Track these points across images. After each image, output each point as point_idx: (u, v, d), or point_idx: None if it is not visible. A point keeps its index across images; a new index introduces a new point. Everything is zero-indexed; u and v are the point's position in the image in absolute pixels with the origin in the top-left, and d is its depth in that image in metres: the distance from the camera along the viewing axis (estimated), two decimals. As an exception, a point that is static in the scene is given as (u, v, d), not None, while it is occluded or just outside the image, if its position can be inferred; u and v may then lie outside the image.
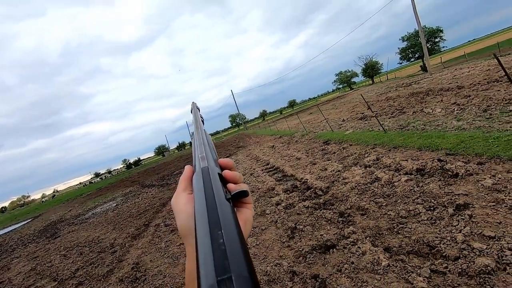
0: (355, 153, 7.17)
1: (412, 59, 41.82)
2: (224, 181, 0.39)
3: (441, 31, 38.03)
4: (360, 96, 25.99)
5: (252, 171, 9.82)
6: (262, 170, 9.45)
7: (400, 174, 4.72)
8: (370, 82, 59.09)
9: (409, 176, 4.52)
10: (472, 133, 5.39)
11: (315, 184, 5.76)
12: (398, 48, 42.62)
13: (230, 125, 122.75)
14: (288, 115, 55.09)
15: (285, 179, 7.41)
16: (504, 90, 8.02)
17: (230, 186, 0.39)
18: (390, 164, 5.38)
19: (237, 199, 0.38)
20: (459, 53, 40.65)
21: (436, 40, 38.22)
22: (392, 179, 4.63)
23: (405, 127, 7.89)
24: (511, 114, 5.81)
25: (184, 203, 0.41)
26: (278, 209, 5.15)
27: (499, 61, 4.36)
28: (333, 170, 6.35)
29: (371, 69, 57.33)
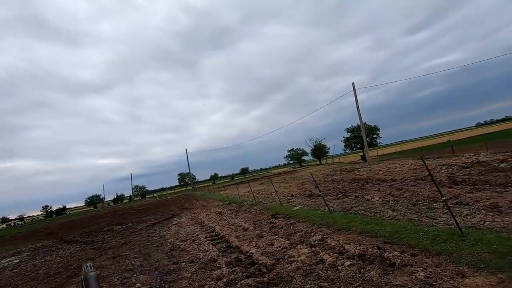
0: (302, 231, 7.22)
1: (354, 148, 47.23)
2: None
3: (378, 129, 44.64)
4: (309, 174, 27.60)
5: (195, 238, 9.14)
6: (206, 237, 8.86)
7: (343, 258, 4.79)
8: (318, 162, 63.87)
9: (351, 260, 4.61)
10: (405, 224, 5.91)
11: (261, 260, 5.51)
12: (343, 137, 48.19)
13: (178, 184, 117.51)
14: (239, 182, 55.18)
15: (229, 250, 6.99)
16: (428, 189, 9.24)
17: None
18: (334, 246, 5.48)
19: None
20: (392, 150, 47.18)
21: (374, 136, 44.39)
22: (336, 262, 4.66)
23: (348, 210, 8.37)
24: (435, 211, 6.59)
25: None
26: (218, 286, 4.70)
27: (425, 163, 5.15)
28: (280, 246, 6.21)
29: (319, 151, 62.70)
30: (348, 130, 47.12)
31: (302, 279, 4.30)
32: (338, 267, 4.49)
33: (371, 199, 9.50)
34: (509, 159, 11.71)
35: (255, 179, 51.26)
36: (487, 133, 59.62)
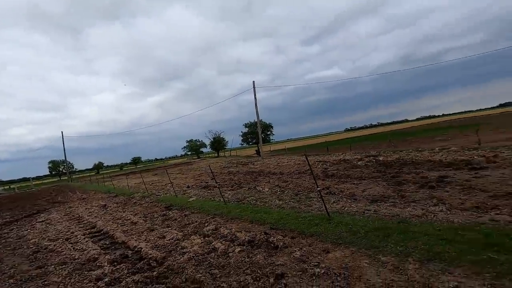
0: (196, 221, 7.23)
1: (250, 143, 50.34)
2: None
3: (272, 126, 48.95)
4: (206, 165, 27.77)
5: (69, 236, 7.85)
6: (84, 235, 7.74)
7: (234, 245, 5.08)
8: (216, 155, 65.00)
9: (242, 247, 4.94)
10: (289, 211, 6.74)
11: (150, 254, 5.23)
12: (241, 132, 50.63)
13: (49, 173, 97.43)
14: (130, 173, 50.31)
15: (113, 247, 6.33)
16: (308, 181, 10.79)
17: None
18: (227, 234, 5.74)
19: None
20: (282, 147, 52.65)
21: (268, 132, 48.44)
22: (228, 250, 4.90)
23: (242, 201, 8.89)
24: (312, 199, 7.78)
25: None
26: (98, 286, 4.20)
27: (307, 159, 6.01)
28: (172, 238, 6.05)
29: (218, 144, 63.86)
30: (246, 125, 49.74)
31: (193, 268, 4.33)
32: (229, 254, 4.73)
33: (262, 190, 10.37)
34: (364, 158, 14.94)
35: (148, 170, 47.89)
36: (352, 136, 74.08)
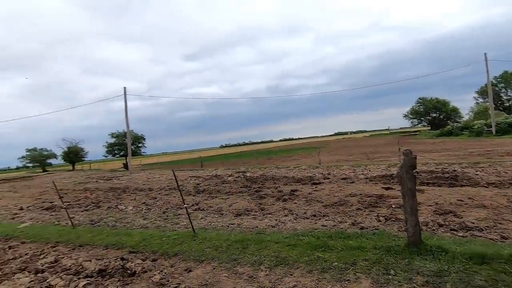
0: (26, 255, 5.64)
1: (117, 155, 44.74)
2: None
3: (144, 138, 45.46)
4: (55, 180, 22.56)
5: None
6: None
7: (79, 278, 4.25)
8: (71, 168, 54.11)
9: (89, 279, 4.18)
10: (153, 231, 6.28)
11: None
12: (107, 142, 44.47)
13: None
14: None
15: None
16: (178, 197, 10.48)
17: None
18: (70, 266, 4.75)
19: None
20: (154, 160, 49.48)
21: (139, 145, 44.64)
22: (69, 285, 4.04)
23: (97, 223, 7.65)
24: (179, 216, 7.57)
25: None
26: None
27: (174, 174, 5.86)
28: (-18, 282, 4.46)
29: (74, 155, 53.46)
30: (113, 135, 44.13)
31: (12, 319, 3.30)
32: (70, 290, 3.91)
33: (125, 208, 9.29)
34: (234, 174, 15.96)
35: (-43, 187, 34.47)
36: (226, 153, 78.14)
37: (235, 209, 7.84)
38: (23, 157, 61.55)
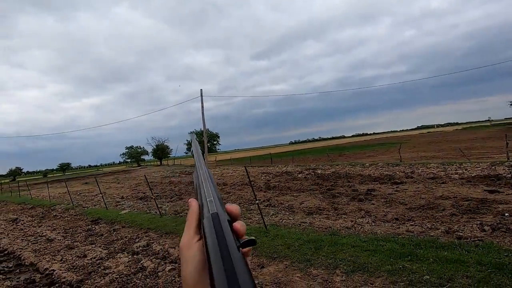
0: (125, 237, 6.58)
1: (196, 152, 49.14)
2: (232, 228, 0.38)
3: (218, 136, 48.67)
4: (147, 174, 26.04)
5: (-41, 258, 6.44)
6: (-19, 256, 6.43)
7: (165, 263, 4.71)
8: (158, 163, 61.77)
9: (173, 265, 4.60)
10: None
11: (64, 277, 4.54)
12: (187, 140, 49.17)
13: None
14: (55, 181, 44.38)
15: (18, 270, 5.36)
16: (250, 193, 10.81)
17: (238, 234, 0.38)
18: (159, 251, 5.32)
19: (245, 247, 0.37)
20: (228, 157, 52.51)
21: (215, 142, 47.98)
22: (157, 269, 4.52)
23: (180, 213, 8.44)
24: (252, 212, 7.76)
25: (195, 252, 0.39)
26: (-13, 323, 3.45)
27: (247, 171, 5.99)
28: (94, 258, 5.37)
29: (161, 151, 60.79)
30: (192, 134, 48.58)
31: (115, 293, 3.86)
32: (159, 273, 4.36)
33: (202, 201, 10.03)
34: (304, 171, 15.66)
35: (78, 178, 43.02)
36: (295, 149, 77.72)
37: (306, 207, 7.63)
38: (123, 153, 73.18)
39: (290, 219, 6.61)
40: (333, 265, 3.93)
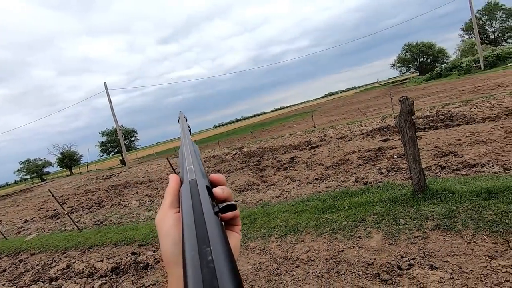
0: (38, 265, 5.61)
1: (112, 153, 44.31)
2: (212, 195, 0.36)
3: (135, 131, 44.79)
4: (56, 187, 22.41)
5: None
6: None
7: (94, 280, 4.23)
8: (68, 173, 53.76)
9: (103, 279, 4.17)
10: (159, 221, 6.26)
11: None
12: (98, 142, 43.78)
13: None
14: None
15: None
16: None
17: (218, 199, 0.37)
18: (83, 269, 4.72)
19: (226, 212, 0.36)
20: (150, 152, 49.18)
21: (132, 138, 44.05)
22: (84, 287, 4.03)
23: (103, 222, 7.62)
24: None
25: (171, 225, 0.36)
26: None
27: (169, 162, 5.71)
28: (-2, 300, 4.45)
29: (68, 159, 52.83)
30: (103, 133, 43.35)
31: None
32: (87, 293, 3.90)
33: (128, 204, 9.25)
34: (232, 152, 15.88)
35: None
36: (220, 132, 77.78)
37: (237, 186, 7.81)
38: (18, 170, 60.83)
39: (223, 201, 6.67)
40: (267, 233, 4.17)
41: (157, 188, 10.74)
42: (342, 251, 3.29)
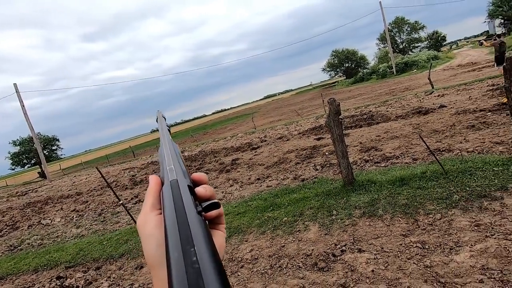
0: None
1: (27, 165, 38.20)
2: (195, 194, 0.36)
3: (57, 139, 39.51)
4: None
5: None
6: None
7: (7, 315, 3.60)
8: (-32, 192, 44.58)
9: (20, 312, 3.58)
10: (90, 238, 5.65)
11: None
12: (9, 153, 37.34)
13: None
14: None
15: None
16: (113, 195, 9.58)
17: (201, 198, 0.36)
18: (-8, 305, 3.99)
19: (209, 211, 0.35)
20: (77, 161, 43.96)
21: (54, 148, 38.75)
22: (-5, 328, 3.40)
23: (18, 247, 6.53)
24: (119, 214, 6.95)
25: (153, 227, 0.36)
26: None
27: (100, 172, 5.20)
28: None
29: (-32, 176, 43.83)
30: (15, 143, 37.17)
31: None
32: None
33: (51, 222, 8.12)
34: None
35: None
36: (158, 137, 73.56)
37: (179, 192, 7.53)
38: None
39: (164, 209, 6.36)
40: (211, 237, 4.11)
41: (87, 202, 9.67)
42: (284, 246, 3.44)
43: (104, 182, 13.03)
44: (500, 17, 47.93)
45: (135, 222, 5.26)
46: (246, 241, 3.78)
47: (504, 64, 3.45)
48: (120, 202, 4.99)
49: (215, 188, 6.89)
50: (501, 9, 47.21)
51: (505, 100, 4.68)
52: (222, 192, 6.35)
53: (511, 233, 2.60)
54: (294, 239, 3.51)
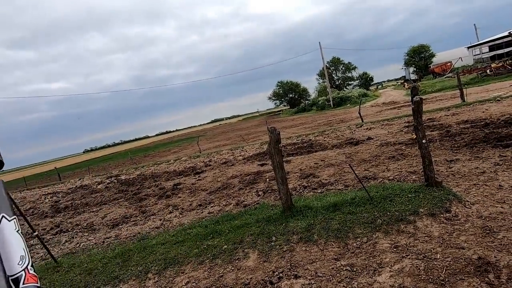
0: None
1: None
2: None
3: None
4: None
5: None
6: None
7: None
8: None
9: None
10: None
11: None
12: None
13: None
14: None
15: None
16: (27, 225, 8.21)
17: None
18: None
19: None
20: (22, 175, 37.06)
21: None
22: None
23: None
24: (33, 248, 5.95)
25: None
26: None
27: (11, 197, 4.47)
28: None
29: None
30: None
31: None
32: None
33: None
34: (105, 180, 13.88)
35: None
36: (91, 158, 67.05)
37: (110, 220, 6.83)
38: None
39: (90, 240, 5.68)
40: (144, 271, 3.78)
41: None
42: (222, 276, 3.33)
43: (21, 208, 11.15)
44: (413, 66, 57.67)
45: (52, 257, 4.57)
46: (183, 272, 3.56)
47: (412, 106, 4.11)
48: (35, 233, 4.30)
49: (152, 215, 6.46)
50: (413, 59, 57.00)
51: (414, 136, 5.51)
52: (160, 220, 5.97)
53: (422, 253, 2.95)
54: (233, 268, 3.43)
